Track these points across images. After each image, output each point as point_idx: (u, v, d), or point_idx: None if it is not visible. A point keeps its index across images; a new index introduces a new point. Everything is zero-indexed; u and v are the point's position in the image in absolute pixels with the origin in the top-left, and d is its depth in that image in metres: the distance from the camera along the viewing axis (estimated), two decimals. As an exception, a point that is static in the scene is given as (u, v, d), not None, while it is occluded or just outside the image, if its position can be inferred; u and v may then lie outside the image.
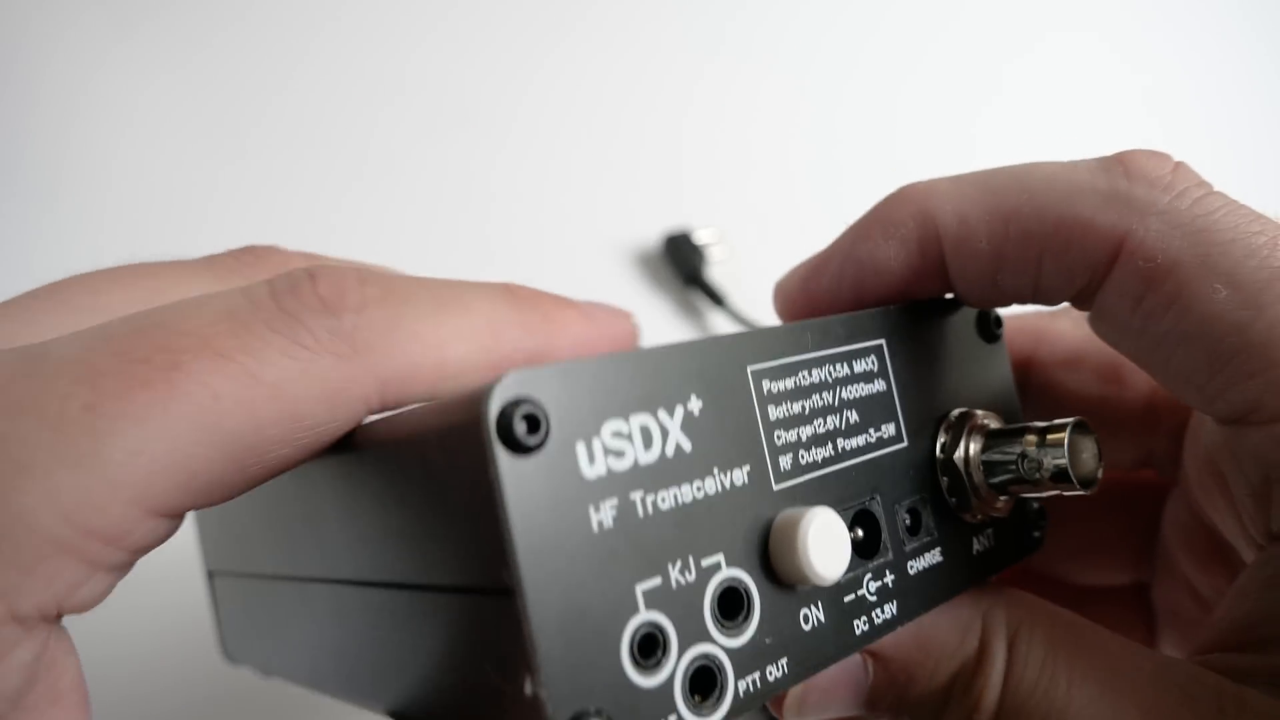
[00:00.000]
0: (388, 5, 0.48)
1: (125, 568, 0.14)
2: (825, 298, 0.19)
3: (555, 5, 0.50)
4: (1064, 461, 0.17)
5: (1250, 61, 0.58)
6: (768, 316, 0.30)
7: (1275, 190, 0.49)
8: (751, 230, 0.48)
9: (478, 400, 0.12)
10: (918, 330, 0.18)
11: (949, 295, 0.19)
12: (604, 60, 0.50)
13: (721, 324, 0.46)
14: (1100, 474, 0.17)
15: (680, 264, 0.46)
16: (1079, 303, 0.18)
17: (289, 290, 0.14)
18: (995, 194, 0.17)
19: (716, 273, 0.46)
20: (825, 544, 0.15)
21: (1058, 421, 0.17)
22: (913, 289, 0.19)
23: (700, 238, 0.46)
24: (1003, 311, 0.20)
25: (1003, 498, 0.18)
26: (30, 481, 0.12)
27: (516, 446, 0.12)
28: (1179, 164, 0.17)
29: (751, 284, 0.46)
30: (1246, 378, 0.16)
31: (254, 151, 0.44)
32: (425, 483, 0.14)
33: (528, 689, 0.12)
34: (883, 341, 0.17)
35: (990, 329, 0.20)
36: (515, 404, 0.12)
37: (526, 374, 0.12)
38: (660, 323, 0.46)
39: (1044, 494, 0.18)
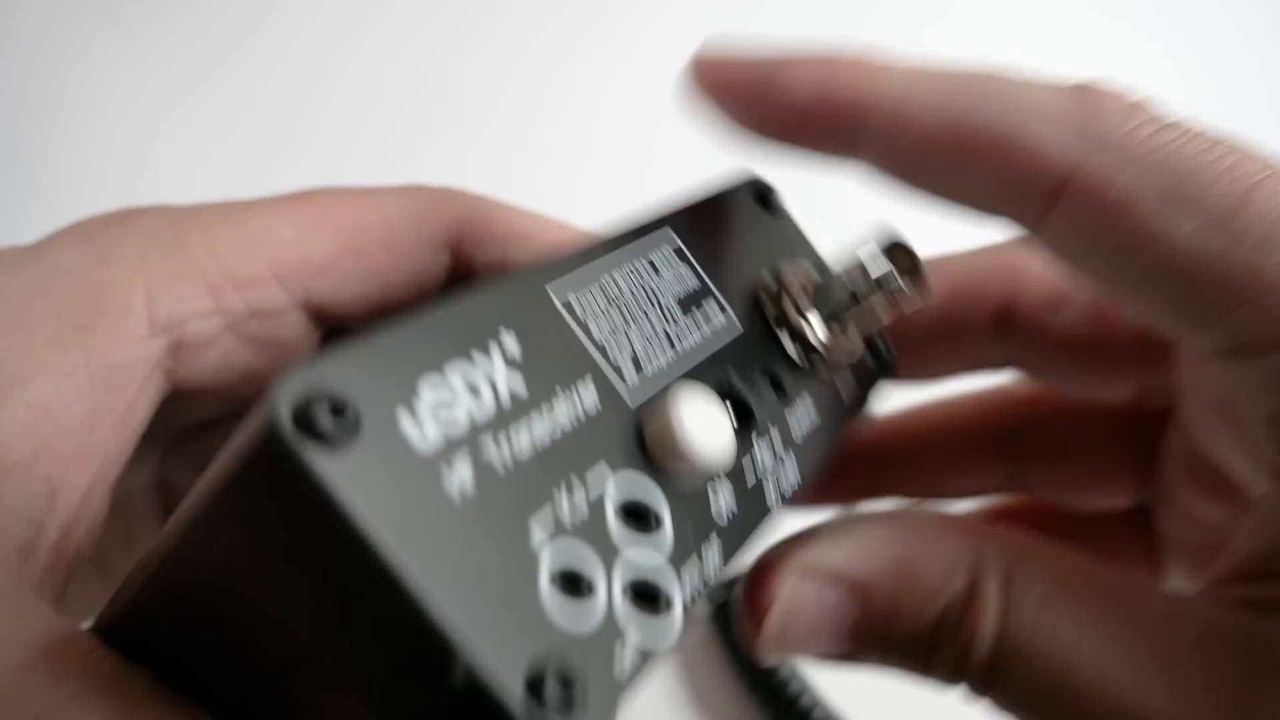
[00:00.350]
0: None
1: (243, 329, 0.18)
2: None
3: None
4: (887, 269, 0.16)
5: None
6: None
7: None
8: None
9: (262, 410, 0.10)
10: (706, 222, 0.18)
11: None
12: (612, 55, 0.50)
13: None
14: (925, 270, 0.17)
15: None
16: (1019, 224, 0.17)
17: None
18: (947, 95, 0.16)
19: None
20: (704, 422, 0.14)
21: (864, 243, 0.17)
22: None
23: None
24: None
25: (849, 338, 0.18)
26: (200, 231, 0.17)
27: (329, 440, 0.10)
28: (1140, 98, 0.16)
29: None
30: (1236, 307, 0.15)
31: (251, 144, 0.44)
32: (243, 540, 0.11)
33: (458, 677, 0.10)
34: (670, 230, 0.17)
35: (769, 201, 0.20)
36: (309, 398, 0.10)
37: (307, 366, 0.10)
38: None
39: (888, 317, 0.17)
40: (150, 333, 0.17)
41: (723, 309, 0.17)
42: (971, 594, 0.15)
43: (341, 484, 0.10)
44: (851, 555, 0.16)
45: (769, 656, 0.16)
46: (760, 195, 0.19)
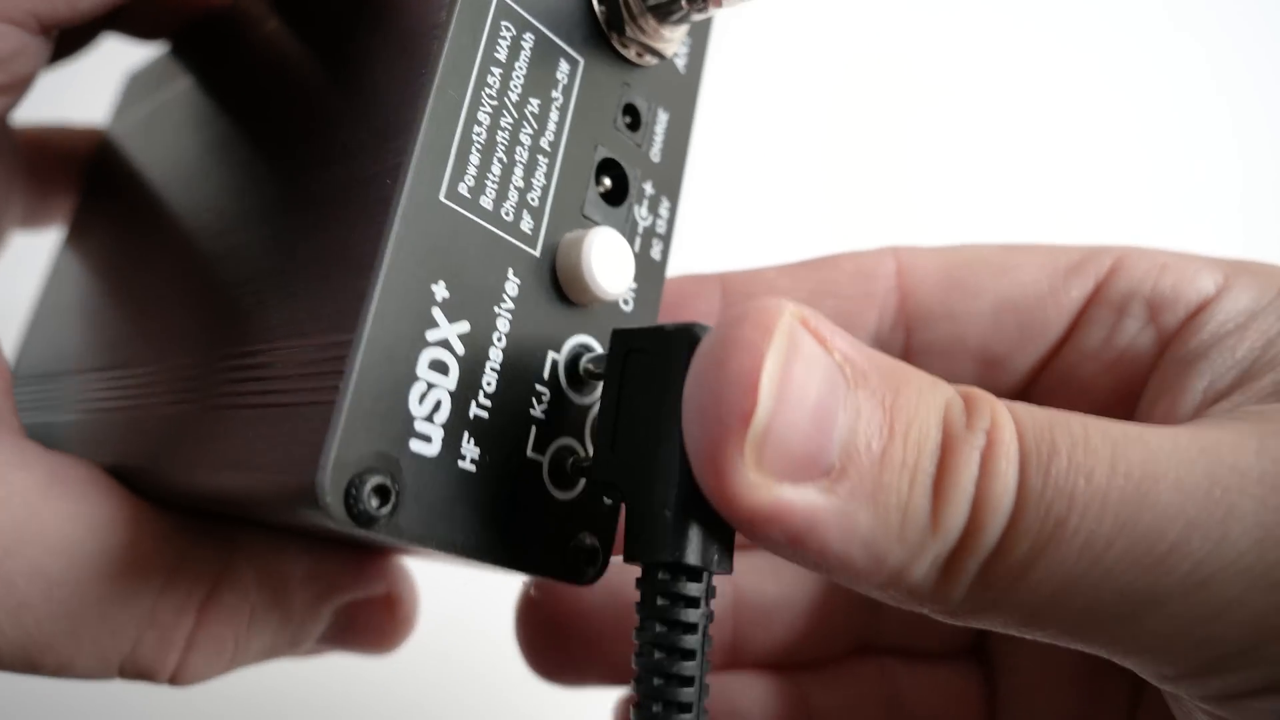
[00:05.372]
0: None
1: None
2: None
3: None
4: None
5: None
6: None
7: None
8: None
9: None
10: None
11: None
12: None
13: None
14: None
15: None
16: None
17: None
18: None
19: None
20: (610, 265, 0.15)
21: None
22: None
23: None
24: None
25: (676, 29, 0.17)
26: None
27: (382, 516, 0.13)
28: None
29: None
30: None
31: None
32: None
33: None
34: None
35: None
36: (351, 488, 0.13)
37: (325, 465, 0.12)
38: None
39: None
40: None
41: (564, 55, 0.16)
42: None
43: (406, 530, 0.13)
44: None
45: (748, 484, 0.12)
46: None
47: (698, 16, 0.16)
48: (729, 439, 0.12)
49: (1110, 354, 0.18)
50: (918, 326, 0.20)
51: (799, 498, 0.12)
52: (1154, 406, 0.17)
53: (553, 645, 0.20)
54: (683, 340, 0.13)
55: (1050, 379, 0.19)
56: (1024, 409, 0.13)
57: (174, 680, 0.17)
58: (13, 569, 0.15)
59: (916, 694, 0.21)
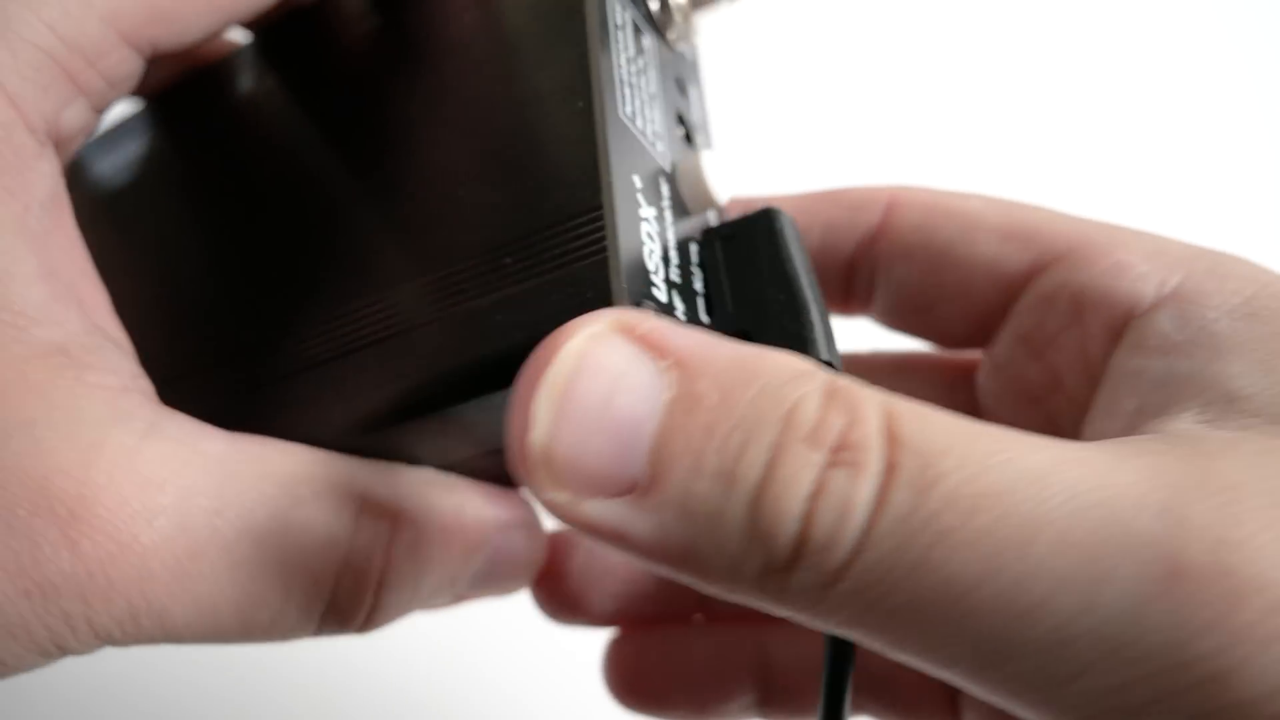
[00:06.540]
0: None
1: (101, 103, 0.17)
2: None
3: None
4: None
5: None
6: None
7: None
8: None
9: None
10: None
11: None
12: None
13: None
14: None
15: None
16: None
17: None
18: None
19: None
20: (717, 178, 0.19)
21: None
22: None
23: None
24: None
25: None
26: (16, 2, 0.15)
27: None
28: None
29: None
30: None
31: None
32: None
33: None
34: None
35: None
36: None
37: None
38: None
39: None
40: (41, 147, 0.16)
41: (642, 31, 0.19)
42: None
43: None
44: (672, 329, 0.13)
45: (546, 493, 0.12)
46: None
47: (727, 5, 0.21)
48: (520, 459, 0.12)
49: (1036, 345, 0.19)
50: (884, 263, 0.21)
51: (606, 511, 0.12)
52: (1090, 419, 0.17)
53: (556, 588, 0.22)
54: (764, 217, 0.18)
55: (990, 365, 0.20)
56: (919, 419, 0.12)
57: (365, 625, 0.17)
58: (223, 526, 0.15)
59: None
